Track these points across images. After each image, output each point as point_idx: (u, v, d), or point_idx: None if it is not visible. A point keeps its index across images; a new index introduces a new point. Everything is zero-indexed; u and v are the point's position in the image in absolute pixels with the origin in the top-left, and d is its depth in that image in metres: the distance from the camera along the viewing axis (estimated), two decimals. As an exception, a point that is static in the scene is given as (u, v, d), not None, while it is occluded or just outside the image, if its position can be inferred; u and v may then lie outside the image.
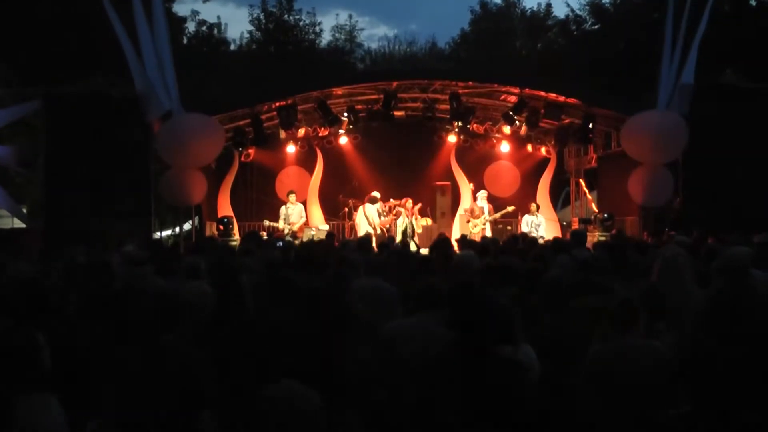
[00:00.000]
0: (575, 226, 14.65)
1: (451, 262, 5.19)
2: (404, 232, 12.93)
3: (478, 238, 11.51)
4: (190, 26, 28.69)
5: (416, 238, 12.90)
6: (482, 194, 14.00)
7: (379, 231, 12.83)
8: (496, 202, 14.37)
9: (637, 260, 5.57)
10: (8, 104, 11.54)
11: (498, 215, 13.72)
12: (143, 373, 2.62)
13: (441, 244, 6.94)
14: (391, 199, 13.84)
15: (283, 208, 13.01)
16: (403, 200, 13.36)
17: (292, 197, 13.07)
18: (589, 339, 3.27)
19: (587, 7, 27.33)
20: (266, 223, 13.00)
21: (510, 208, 13.77)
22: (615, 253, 6.19)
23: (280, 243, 7.86)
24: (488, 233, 13.29)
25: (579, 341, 3.38)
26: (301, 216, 13.03)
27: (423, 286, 3.71)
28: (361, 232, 13.01)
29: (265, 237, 11.48)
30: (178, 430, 2.57)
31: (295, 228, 12.75)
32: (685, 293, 3.99)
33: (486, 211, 13.65)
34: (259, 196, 15.74)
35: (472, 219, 13.62)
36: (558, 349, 3.53)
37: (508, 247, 7.37)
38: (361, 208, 13.53)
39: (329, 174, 15.69)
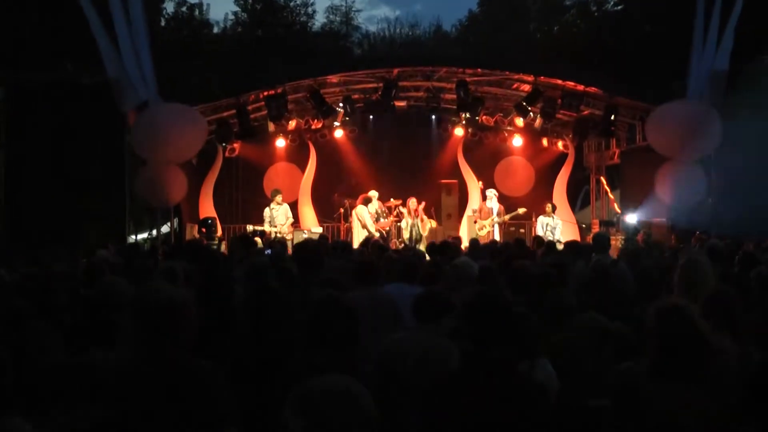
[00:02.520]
0: (596, 229, 14.64)
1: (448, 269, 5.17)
2: (410, 237, 12.91)
3: (484, 241, 11.50)
4: (169, 7, 28.79)
5: (424, 241, 12.87)
6: (492, 193, 13.98)
7: (377, 235, 12.82)
8: (507, 202, 14.35)
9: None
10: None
11: (507, 217, 13.65)
12: (151, 392, 2.58)
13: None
14: (392, 199, 13.83)
15: (267, 210, 12.97)
16: (407, 200, 13.34)
17: (279, 197, 13.03)
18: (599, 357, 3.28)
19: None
20: (250, 228, 12.97)
21: (521, 210, 13.72)
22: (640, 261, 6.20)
23: (269, 251, 7.83)
24: (496, 236, 13.27)
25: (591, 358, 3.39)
26: (288, 217, 13.01)
27: (424, 294, 3.70)
28: (356, 237, 13.00)
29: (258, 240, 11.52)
30: None
31: (284, 230, 12.73)
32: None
33: (495, 211, 13.61)
34: (246, 195, 15.72)
35: (480, 220, 13.62)
36: (573, 366, 3.52)
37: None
38: (361, 211, 13.50)
39: (323, 171, 15.68)
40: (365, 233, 12.87)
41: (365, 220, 13.05)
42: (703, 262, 4.19)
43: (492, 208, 13.67)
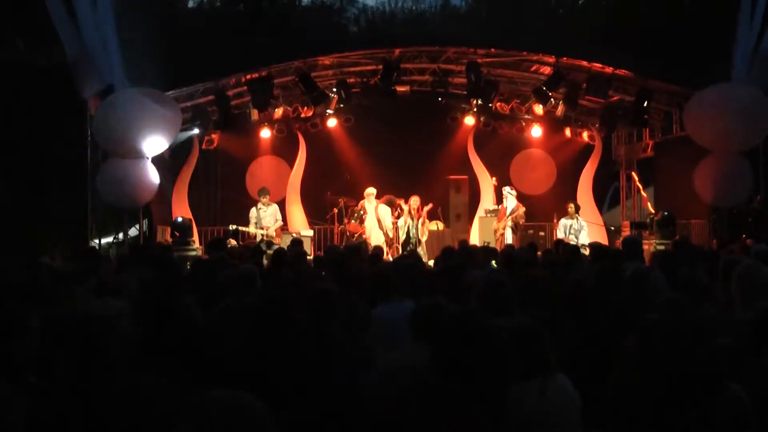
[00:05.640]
0: (626, 232, 14.61)
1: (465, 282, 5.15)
2: (406, 239, 12.87)
3: (499, 247, 11.47)
4: (138, -22, 28.71)
5: (423, 246, 12.84)
6: (507, 191, 13.88)
7: (391, 236, 12.91)
8: (525, 202, 14.23)
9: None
10: None
11: (521, 211, 13.41)
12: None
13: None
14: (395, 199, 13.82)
15: (253, 210, 12.99)
16: (409, 198, 13.31)
17: (266, 197, 13.03)
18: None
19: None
20: (232, 228, 12.95)
21: (521, 210, 13.56)
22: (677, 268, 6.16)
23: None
24: (509, 239, 13.19)
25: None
26: (276, 219, 13.03)
27: (422, 307, 3.67)
28: (373, 238, 13.01)
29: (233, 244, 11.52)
30: None
31: (271, 232, 12.74)
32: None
33: (509, 211, 13.53)
34: (226, 193, 15.72)
35: (497, 223, 13.61)
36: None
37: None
38: (372, 208, 13.48)
39: (314, 165, 15.67)
40: (380, 234, 13.00)
41: (386, 222, 13.09)
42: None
43: (507, 208, 13.59)
